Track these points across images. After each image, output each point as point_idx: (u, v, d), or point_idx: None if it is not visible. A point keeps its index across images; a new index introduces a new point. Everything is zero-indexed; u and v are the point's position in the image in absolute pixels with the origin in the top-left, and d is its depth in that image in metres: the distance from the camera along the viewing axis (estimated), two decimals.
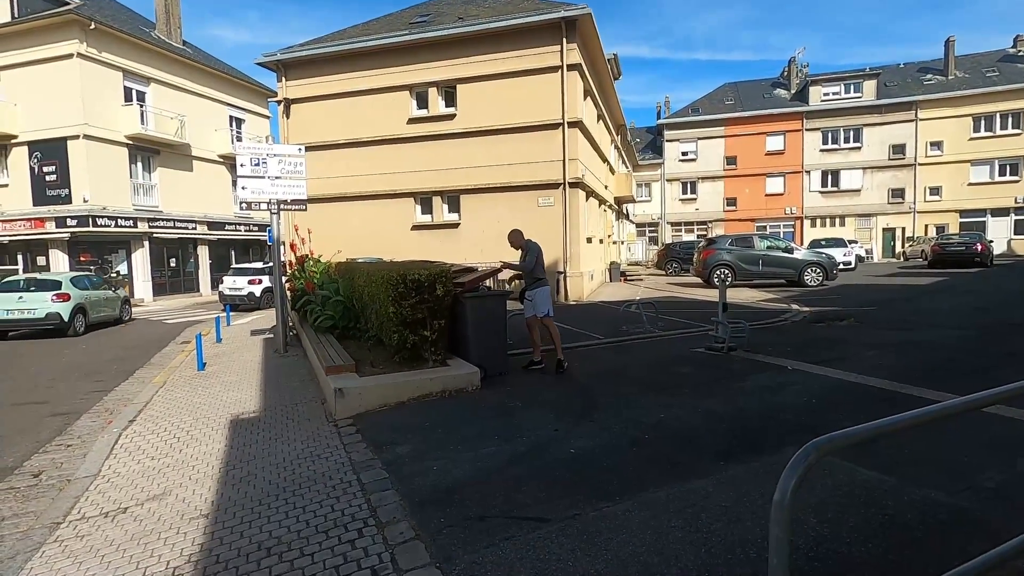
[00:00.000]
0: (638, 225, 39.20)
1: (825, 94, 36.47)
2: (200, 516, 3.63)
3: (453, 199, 16.77)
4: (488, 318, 6.70)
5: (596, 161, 19.47)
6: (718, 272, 17.32)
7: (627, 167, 32.25)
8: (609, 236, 23.44)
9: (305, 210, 9.52)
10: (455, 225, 16.63)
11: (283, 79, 17.72)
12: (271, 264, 10.09)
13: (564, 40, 15.06)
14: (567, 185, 15.32)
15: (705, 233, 35.52)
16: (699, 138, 38.32)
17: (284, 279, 10.52)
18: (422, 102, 16.98)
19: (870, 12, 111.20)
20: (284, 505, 3.68)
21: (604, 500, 3.47)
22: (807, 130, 36.41)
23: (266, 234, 9.48)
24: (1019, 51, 35.60)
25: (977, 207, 33.72)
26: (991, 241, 25.94)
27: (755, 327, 9.68)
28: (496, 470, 4.04)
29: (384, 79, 16.83)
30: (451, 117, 16.45)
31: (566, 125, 15.23)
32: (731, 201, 37.78)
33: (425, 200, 17.16)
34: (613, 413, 5.26)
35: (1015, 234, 33.24)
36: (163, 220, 23.52)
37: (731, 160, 37.68)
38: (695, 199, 38.64)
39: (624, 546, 2.93)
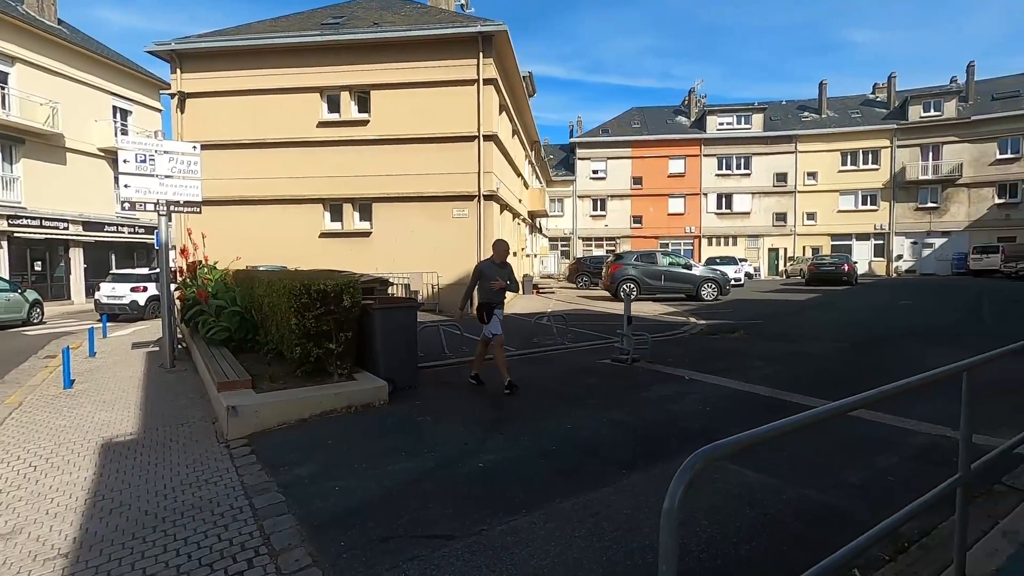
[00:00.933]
0: (551, 239, 40.25)
1: (720, 124, 39.65)
2: (58, 556, 3.19)
3: (365, 207, 16.31)
4: (398, 330, 6.53)
5: (511, 175, 19.78)
6: (624, 286, 18.14)
7: (541, 182, 33.07)
8: (523, 249, 23.84)
9: (199, 212, 8.83)
10: (366, 234, 16.16)
11: (178, 71, 16.41)
12: (159, 270, 9.23)
13: (481, 55, 15.24)
14: (482, 198, 15.42)
15: (614, 248, 37.12)
16: (608, 158, 40.17)
17: (173, 287, 9.66)
18: (333, 106, 16.42)
19: (760, 51, 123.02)
20: (162, 538, 3.33)
21: (512, 514, 3.46)
22: (704, 156, 39.33)
23: (154, 237, 8.64)
24: (876, 96, 40.81)
25: (845, 231, 38.01)
26: (856, 262, 29.32)
27: (657, 339, 10.23)
28: (403, 488, 3.92)
29: (293, 79, 16.10)
30: (364, 123, 16.04)
31: (482, 138, 15.36)
32: (637, 219, 39.84)
33: (335, 207, 16.54)
34: (523, 425, 5.29)
35: (875, 256, 37.80)
36: (27, 218, 20.81)
37: (637, 180, 39.80)
38: (604, 216, 40.34)
39: (529, 560, 2.94)
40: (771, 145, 38.75)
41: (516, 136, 21.17)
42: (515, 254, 20.72)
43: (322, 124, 16.24)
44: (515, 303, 18.34)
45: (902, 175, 36.64)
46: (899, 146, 36.94)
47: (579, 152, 40.53)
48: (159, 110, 27.88)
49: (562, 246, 41.13)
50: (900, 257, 37.27)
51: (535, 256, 31.18)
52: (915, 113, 36.79)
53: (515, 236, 21.16)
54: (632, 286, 18.33)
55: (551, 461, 4.38)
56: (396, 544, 3.15)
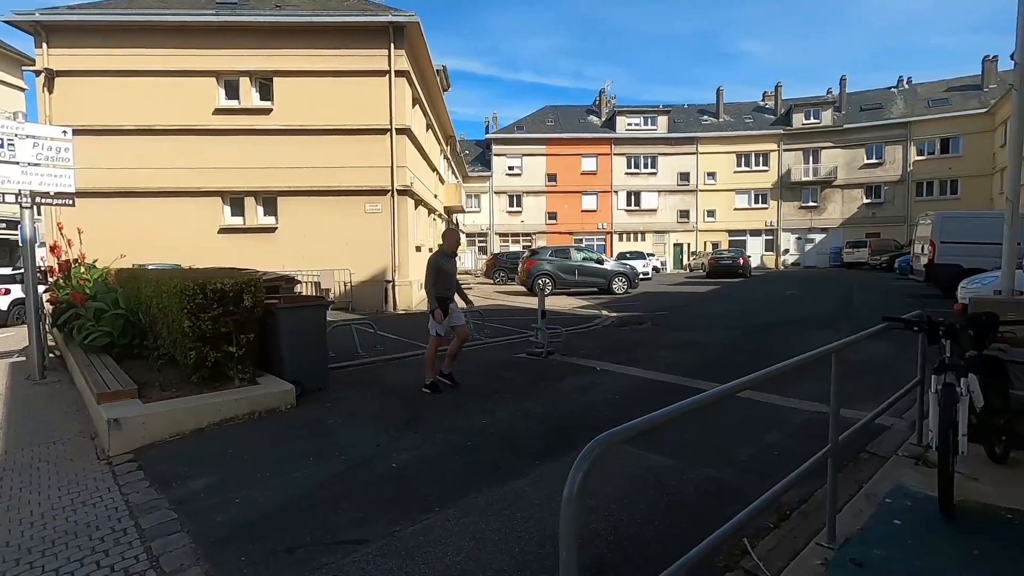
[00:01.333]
0: (468, 235, 40.19)
1: (628, 124, 41.45)
2: None
3: (270, 201, 15.40)
4: (305, 330, 6.24)
5: (425, 170, 19.50)
6: (539, 281, 18.49)
7: (457, 178, 32.90)
8: (440, 245, 23.62)
9: (72, 205, 7.91)
10: (271, 229, 15.28)
11: (44, 45, 14.59)
12: (23, 269, 8.17)
13: (392, 45, 14.85)
14: (395, 192, 15.07)
15: (530, 244, 37.77)
16: (524, 155, 40.75)
17: (42, 289, 8.60)
18: (232, 92, 15.33)
19: (664, 57, 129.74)
20: (28, 571, 2.96)
21: (425, 512, 3.42)
22: (615, 155, 40.97)
23: (17, 233, 7.60)
24: (766, 104, 44.42)
25: (741, 228, 41.13)
26: (750, 256, 31.83)
27: (571, 332, 10.53)
28: (310, 494, 3.75)
29: (185, 61, 14.84)
30: (267, 112, 15.12)
31: (394, 131, 15.00)
32: (552, 215, 40.77)
33: (236, 200, 15.48)
34: (438, 422, 5.25)
35: (766, 251, 41.22)
36: None
37: (552, 177, 40.72)
38: (521, 212, 40.93)
39: (442, 557, 2.91)
40: (675, 146, 41.07)
41: (431, 130, 20.88)
42: (431, 250, 20.50)
43: (219, 111, 15.12)
44: None
45: (788, 176, 40.19)
46: (785, 150, 40.49)
47: (495, 148, 40.78)
48: (23, 88, 24.70)
49: (479, 242, 41.23)
50: (787, 251, 40.90)
51: None
52: (798, 120, 40.46)
53: (431, 232, 20.91)
54: (547, 281, 18.72)
55: (466, 456, 4.38)
56: (303, 554, 3.01)
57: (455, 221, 31.42)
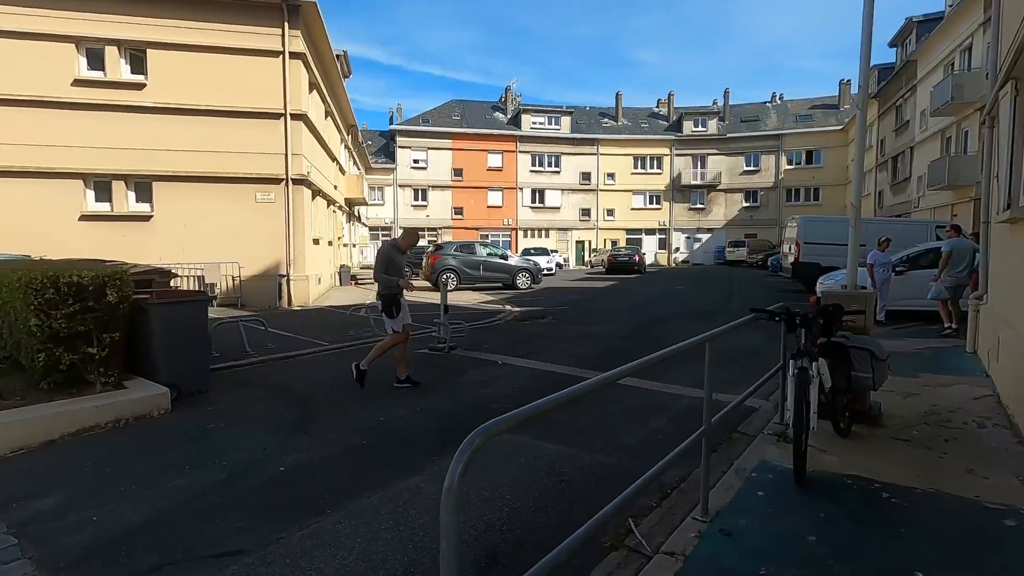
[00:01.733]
0: (371, 228, 38.95)
1: (533, 123, 42.24)
2: None
3: (143, 186, 13.90)
4: (183, 328, 5.71)
5: (324, 159, 18.60)
6: (443, 276, 18.35)
7: (359, 169, 31.73)
8: (339, 238, 22.66)
9: None
10: (146, 218, 13.81)
11: None
12: None
13: (287, 24, 13.95)
14: (291, 181, 14.21)
15: (435, 239, 37.34)
16: (430, 148, 40.14)
17: None
18: (96, 62, 13.62)
19: (567, 59, 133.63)
20: None
21: (315, 516, 3.27)
22: (520, 152, 41.57)
23: None
24: (660, 110, 47.25)
25: (637, 227, 43.47)
26: (645, 254, 33.78)
27: (474, 327, 10.56)
28: (184, 505, 3.44)
29: (34, 22, 12.95)
30: (139, 87, 13.61)
31: (289, 116, 14.13)
32: (458, 210, 40.59)
33: (102, 184, 13.80)
34: (332, 422, 5.04)
35: (659, 249, 43.91)
36: None
37: (458, 172, 40.51)
38: (426, 206, 40.30)
39: (331, 561, 2.80)
40: (577, 146, 42.48)
41: (330, 118, 19.94)
42: (331, 243, 19.62)
43: (80, 83, 13.37)
44: (331, 295, 17.40)
45: (679, 180, 43.05)
46: (676, 155, 43.32)
47: (400, 140, 39.78)
48: None
49: (383, 235, 40.06)
50: (678, 250, 43.84)
51: (354, 246, 29.92)
52: (688, 128, 43.43)
53: (331, 224, 20.02)
54: (452, 276, 18.63)
55: (361, 455, 4.24)
56: (173, 571, 2.76)
57: (357, 213, 30.31)
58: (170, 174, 13.70)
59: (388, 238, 28.81)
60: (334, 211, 20.88)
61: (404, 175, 39.80)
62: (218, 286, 13.46)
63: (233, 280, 13.84)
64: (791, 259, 16.87)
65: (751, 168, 42.64)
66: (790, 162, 41.73)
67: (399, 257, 6.37)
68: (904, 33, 27.99)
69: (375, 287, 6.68)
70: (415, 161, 40.02)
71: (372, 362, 6.22)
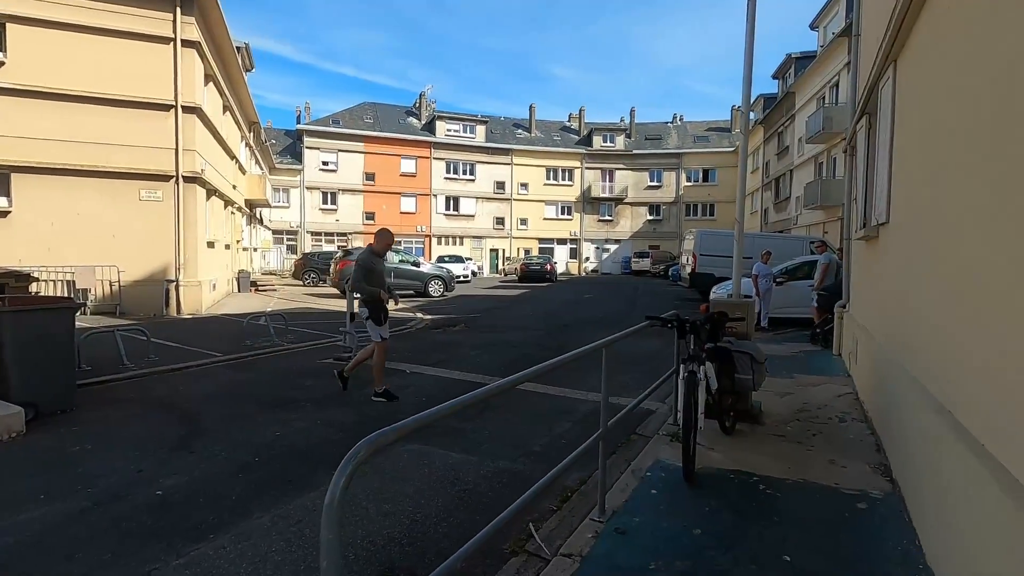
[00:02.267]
0: (275, 232, 36.85)
1: (448, 130, 42.16)
2: None
3: (0, 177, 12.24)
4: (42, 338, 5.07)
5: (222, 156, 17.38)
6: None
7: (263, 169, 30.00)
8: (238, 242, 21.22)
9: None
10: (2, 213, 12.16)
11: None
12: None
13: (179, 10, 12.92)
14: (182, 179, 13.12)
15: (345, 244, 36.06)
16: (340, 150, 38.77)
17: None
18: None
19: (483, 69, 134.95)
20: None
21: (195, 542, 3.01)
22: (434, 159, 41.28)
23: None
24: (571, 124, 48.94)
25: (549, 236, 44.58)
26: (556, 263, 34.71)
27: None
28: (37, 542, 3.04)
29: None
30: None
31: (180, 109, 13.07)
32: (370, 215, 39.47)
33: None
34: (221, 438, 4.68)
35: (570, 258, 45.30)
36: None
37: (370, 176, 39.45)
38: (336, 210, 38.83)
39: None
40: (492, 156, 42.91)
41: (229, 113, 18.69)
42: (228, 246, 18.33)
43: None
44: (228, 303, 16.23)
45: (589, 192, 44.73)
46: (587, 168, 45.01)
47: (308, 140, 38.06)
48: None
49: (288, 240, 38.09)
50: (588, 259, 45.45)
51: (255, 250, 28.15)
52: (597, 142, 45.30)
53: (229, 226, 18.71)
54: None
55: (253, 473, 3.97)
56: None
57: (259, 215, 28.59)
58: (33, 165, 12.17)
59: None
60: (233, 212, 19.55)
61: (312, 177, 38.10)
62: (92, 292, 12.14)
63: (111, 285, 12.53)
64: (689, 269, 18.06)
65: (655, 183, 45.22)
66: (689, 179, 44.74)
67: (379, 263, 6.07)
68: (784, 67, 31.08)
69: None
70: (324, 163, 38.45)
71: (354, 369, 6.26)
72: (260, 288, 20.96)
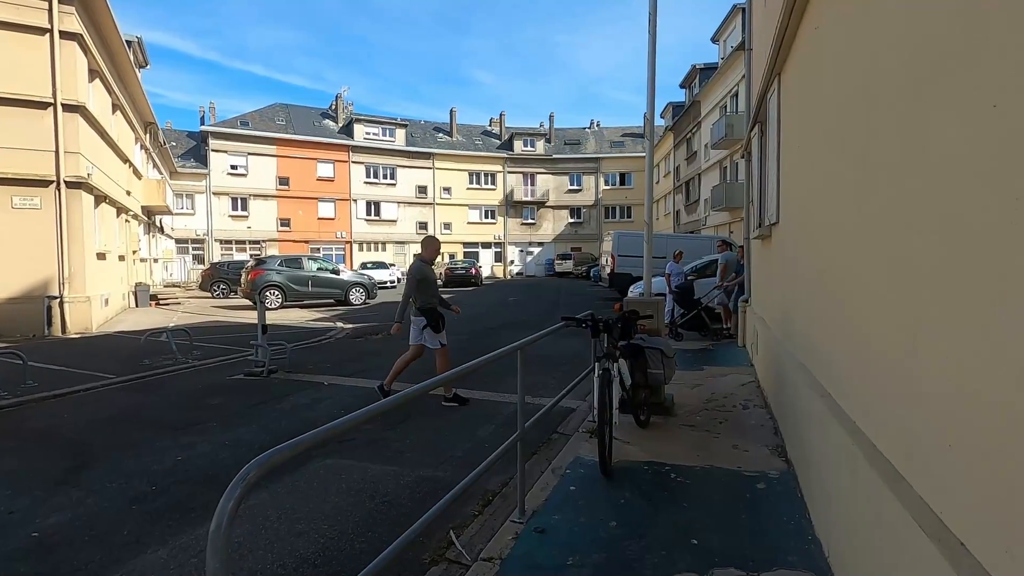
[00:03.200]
0: (178, 241, 34.24)
1: (367, 133, 41.13)
2: None
3: None
4: None
5: (112, 160, 15.93)
6: (267, 293, 16.87)
7: (162, 173, 27.81)
8: (135, 252, 19.54)
9: None
10: None
11: None
12: None
13: None
14: (64, 184, 11.89)
15: (259, 253, 34.20)
16: (250, 153, 36.72)
17: None
18: None
19: (403, 72, 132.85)
20: None
21: None
22: (353, 163, 40.12)
23: None
24: (493, 128, 49.30)
25: (474, 240, 44.61)
26: (481, 266, 34.78)
27: (299, 347, 9.86)
28: None
29: None
30: None
31: (60, 107, 11.84)
32: (285, 222, 37.70)
33: None
34: (112, 469, 4.27)
35: (495, 262, 45.57)
36: None
37: (284, 181, 37.66)
38: (247, 216, 36.72)
39: None
40: (413, 160, 42.35)
41: (120, 113, 17.18)
42: (123, 257, 16.84)
43: None
44: (124, 319, 14.90)
45: (511, 196, 45.23)
46: (509, 172, 45.51)
47: (214, 143, 35.74)
48: None
49: (195, 249, 35.56)
50: (512, 262, 45.91)
51: (155, 261, 26.04)
52: (518, 147, 45.93)
53: (124, 236, 17.18)
54: (277, 293, 17.21)
55: (149, 504, 3.66)
56: None
57: (159, 223, 26.48)
58: None
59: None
60: (127, 220, 17.98)
61: (219, 182, 35.81)
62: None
63: None
64: (608, 270, 18.70)
65: (575, 187, 46.49)
66: (607, 183, 46.40)
67: (430, 272, 6.18)
68: (690, 77, 33.02)
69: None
70: (233, 167, 36.25)
71: (392, 381, 6.18)
72: (162, 302, 19.40)
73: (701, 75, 30.85)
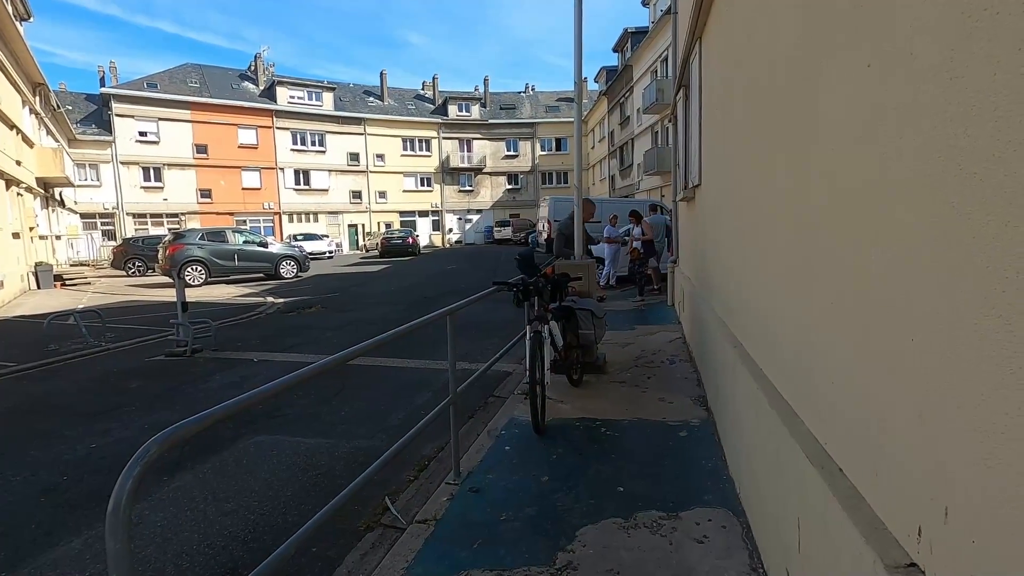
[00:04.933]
0: (84, 216, 31.43)
1: (291, 97, 38.80)
2: None
3: None
4: None
5: None
6: (188, 269, 15.91)
7: (58, 140, 25.25)
8: (32, 229, 17.79)
9: None
10: None
11: None
12: None
13: None
14: None
15: (178, 226, 32.00)
16: (161, 118, 33.84)
17: None
18: None
19: (331, 32, 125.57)
20: None
21: None
22: (278, 128, 37.88)
23: None
24: (426, 93, 47.79)
25: (410, 209, 43.63)
26: (419, 236, 34.18)
27: (226, 324, 9.42)
28: None
29: None
30: None
31: None
32: (206, 192, 35.34)
33: None
34: (16, 462, 3.98)
35: (433, 230, 44.88)
36: None
37: (202, 148, 35.11)
38: (162, 188, 34.11)
39: None
40: (343, 125, 40.51)
41: (1, 73, 15.33)
42: (17, 235, 15.31)
43: None
44: (23, 302, 13.67)
45: (448, 162, 44.38)
46: (444, 138, 44.50)
47: (118, 107, 32.64)
48: None
49: (104, 224, 32.81)
50: (451, 230, 45.41)
51: (57, 237, 23.86)
52: (453, 112, 44.87)
53: (16, 211, 15.58)
54: (199, 268, 16.26)
55: (59, 496, 3.45)
56: None
57: (60, 197, 24.15)
58: None
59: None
60: (20, 194, 16.30)
61: (128, 150, 32.93)
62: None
63: None
64: (544, 236, 18.86)
65: (512, 153, 46.17)
66: (543, 148, 46.36)
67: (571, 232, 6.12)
68: (623, 41, 33.14)
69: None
70: (142, 133, 33.38)
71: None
72: (68, 283, 17.86)
73: (633, 39, 31.03)
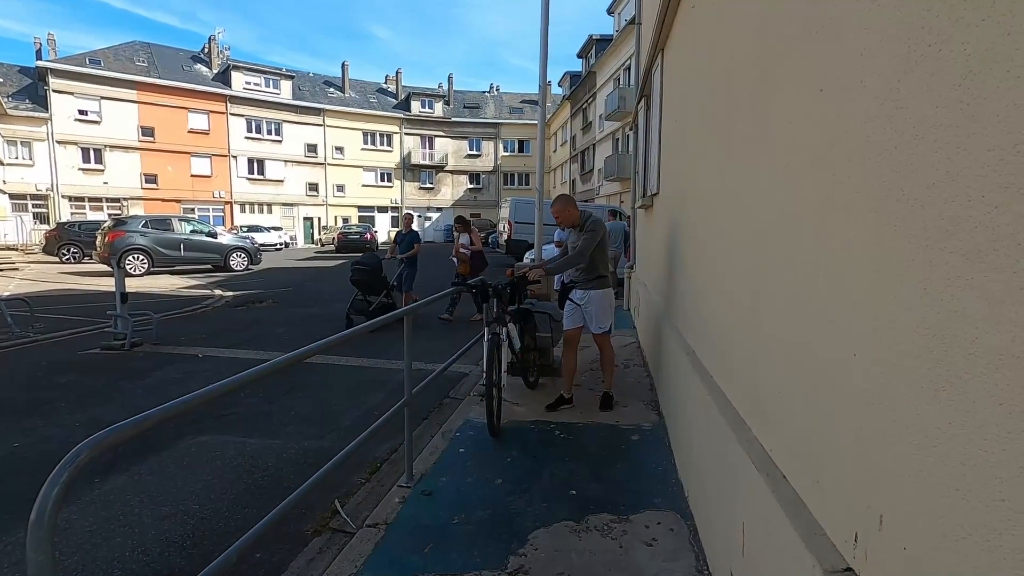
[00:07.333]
0: (14, 196, 29.37)
1: (247, 83, 37.45)
2: None
3: None
4: None
5: None
6: (129, 258, 15.11)
7: None
8: None
9: None
10: None
11: None
12: None
13: None
14: None
15: (119, 212, 30.34)
16: (104, 97, 31.99)
17: None
18: None
19: (292, 20, 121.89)
20: None
21: None
22: (232, 114, 36.49)
23: None
24: (388, 87, 47.07)
25: (369, 204, 42.85)
26: (377, 232, 33.60)
27: (169, 317, 9.00)
28: None
29: None
30: None
31: None
32: (151, 178, 33.65)
33: None
34: None
35: (392, 227, 44.17)
36: None
37: (148, 131, 33.40)
38: (103, 171, 32.24)
39: None
40: (301, 115, 39.43)
41: None
42: None
43: None
44: None
45: (409, 159, 43.86)
46: (406, 134, 43.96)
47: (56, 83, 30.68)
48: None
49: (36, 206, 30.77)
50: None
51: None
52: (416, 107, 44.38)
53: None
54: (141, 257, 15.46)
55: None
56: None
57: None
58: None
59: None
60: None
61: (65, 128, 30.99)
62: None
63: None
64: (505, 236, 18.90)
65: (474, 152, 46.05)
66: (506, 150, 46.46)
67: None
68: (587, 48, 33.61)
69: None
70: (82, 112, 31.49)
71: (611, 382, 4.65)
72: None
73: (597, 46, 31.50)
